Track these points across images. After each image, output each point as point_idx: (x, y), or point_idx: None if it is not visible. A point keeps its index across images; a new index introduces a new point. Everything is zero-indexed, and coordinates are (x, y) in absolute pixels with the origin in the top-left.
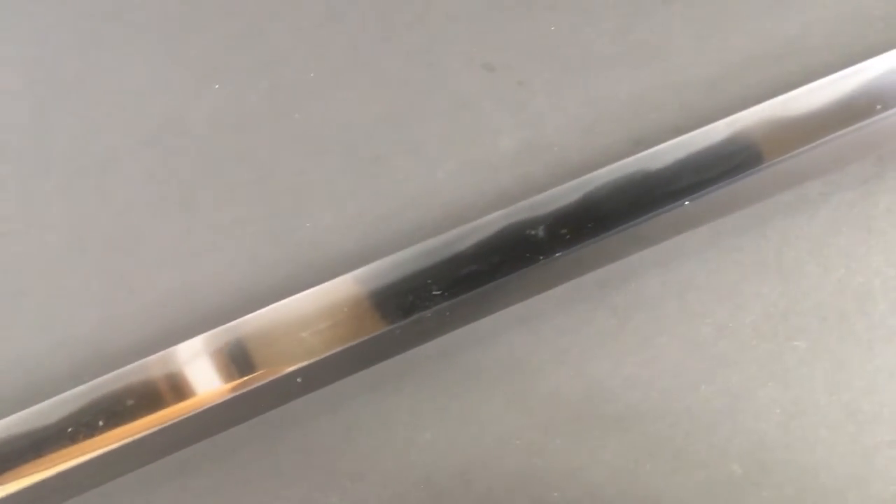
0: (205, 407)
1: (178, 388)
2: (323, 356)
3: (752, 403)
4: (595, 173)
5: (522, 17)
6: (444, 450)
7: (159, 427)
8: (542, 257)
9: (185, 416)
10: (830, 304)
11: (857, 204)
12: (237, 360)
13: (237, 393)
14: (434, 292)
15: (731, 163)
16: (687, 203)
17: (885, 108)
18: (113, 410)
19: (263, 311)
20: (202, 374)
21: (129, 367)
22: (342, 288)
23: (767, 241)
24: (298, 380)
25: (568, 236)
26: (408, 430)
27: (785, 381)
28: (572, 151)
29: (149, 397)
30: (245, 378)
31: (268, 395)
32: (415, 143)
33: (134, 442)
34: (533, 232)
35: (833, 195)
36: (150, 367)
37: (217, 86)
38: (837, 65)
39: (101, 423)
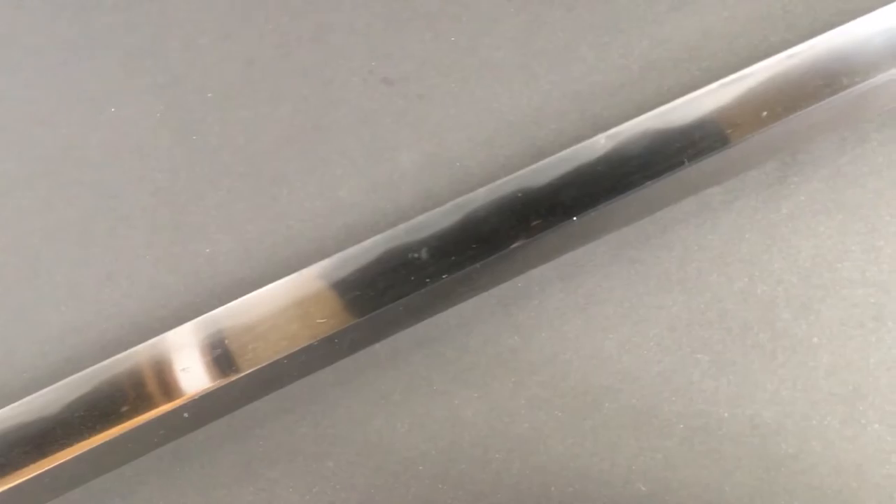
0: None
1: (64, 423)
2: (199, 392)
3: (657, 419)
4: (476, 192)
5: (422, 28)
6: (348, 478)
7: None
8: (428, 280)
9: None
10: (734, 315)
11: (759, 210)
12: (124, 393)
13: (107, 440)
14: (318, 320)
15: (624, 173)
16: (575, 219)
17: (787, 112)
18: None
19: (154, 340)
20: (88, 407)
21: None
22: (231, 317)
23: (670, 252)
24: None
25: (453, 257)
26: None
27: (689, 396)
28: (474, 165)
29: (35, 434)
30: (121, 418)
31: (148, 430)
32: (315, 161)
33: None
34: (416, 255)
35: (735, 202)
36: (31, 404)
37: (113, 109)
38: (738, 67)
39: None
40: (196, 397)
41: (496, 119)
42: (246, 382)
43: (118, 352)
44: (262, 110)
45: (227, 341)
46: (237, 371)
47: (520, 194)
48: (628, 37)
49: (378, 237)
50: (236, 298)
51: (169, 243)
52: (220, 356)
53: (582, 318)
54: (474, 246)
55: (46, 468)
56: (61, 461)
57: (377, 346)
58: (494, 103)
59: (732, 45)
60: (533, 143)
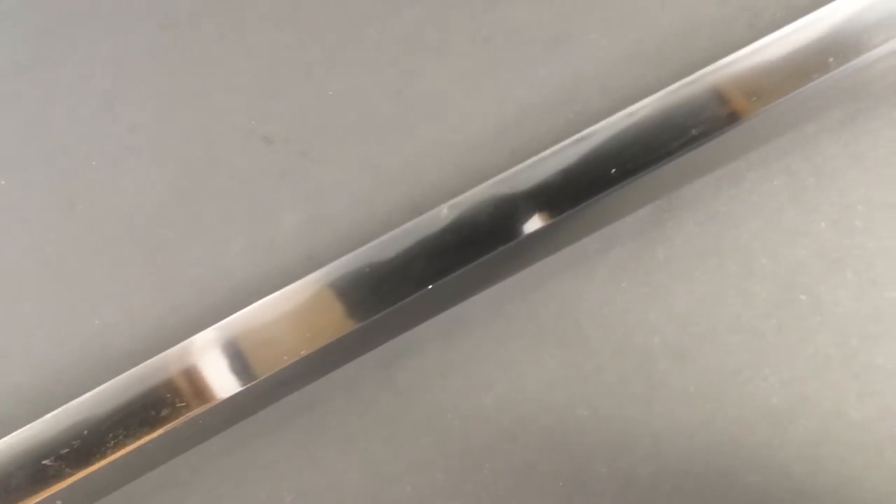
0: None
1: None
2: (70, 481)
3: (536, 478)
4: (337, 262)
5: (300, 83)
6: None
7: None
8: (286, 357)
9: None
10: (611, 367)
11: (635, 257)
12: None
13: None
14: (179, 404)
15: (472, 241)
16: (430, 287)
17: (667, 156)
18: None
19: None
20: None
21: None
22: (124, 389)
23: (547, 305)
24: None
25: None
26: None
27: (568, 453)
28: (354, 223)
29: None
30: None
31: None
32: (199, 226)
33: None
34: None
35: (611, 250)
36: None
37: (2, 182)
38: (612, 110)
39: None
40: (66, 485)
41: (375, 174)
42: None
43: (7, 431)
44: (146, 176)
45: (118, 417)
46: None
47: (374, 266)
48: (503, 82)
49: (230, 318)
50: (125, 371)
51: (58, 316)
52: (112, 433)
53: (462, 376)
54: (352, 306)
55: None
56: None
57: (261, 413)
58: (373, 158)
59: (606, 86)
60: (411, 199)
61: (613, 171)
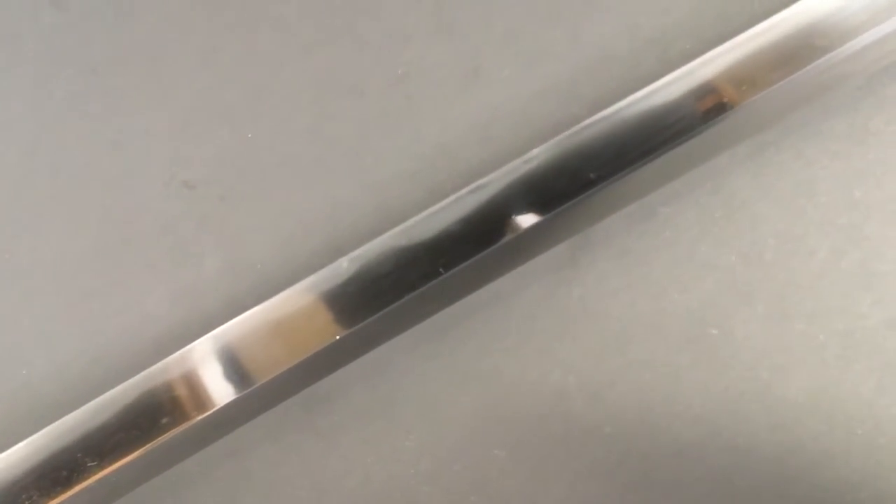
0: None
1: None
2: None
3: None
4: (240, 317)
5: (219, 126)
6: None
7: None
8: (192, 415)
9: None
10: (529, 407)
11: (551, 295)
12: None
13: None
14: (90, 464)
15: (375, 292)
16: (338, 337)
17: (576, 195)
18: None
19: None
20: None
21: None
22: (54, 439)
23: (465, 346)
24: None
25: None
26: None
27: (487, 494)
28: (275, 268)
29: None
30: None
31: None
32: (122, 274)
33: None
34: (172, 395)
35: (527, 288)
36: None
37: None
38: (525, 147)
39: None
40: None
41: (295, 217)
42: None
43: None
44: (69, 225)
45: (47, 466)
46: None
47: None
48: (419, 121)
49: (138, 377)
50: (54, 422)
51: None
52: (46, 479)
53: (383, 420)
54: (269, 356)
55: None
56: None
57: (187, 460)
58: (292, 200)
59: (520, 122)
60: (330, 241)
61: (527, 209)
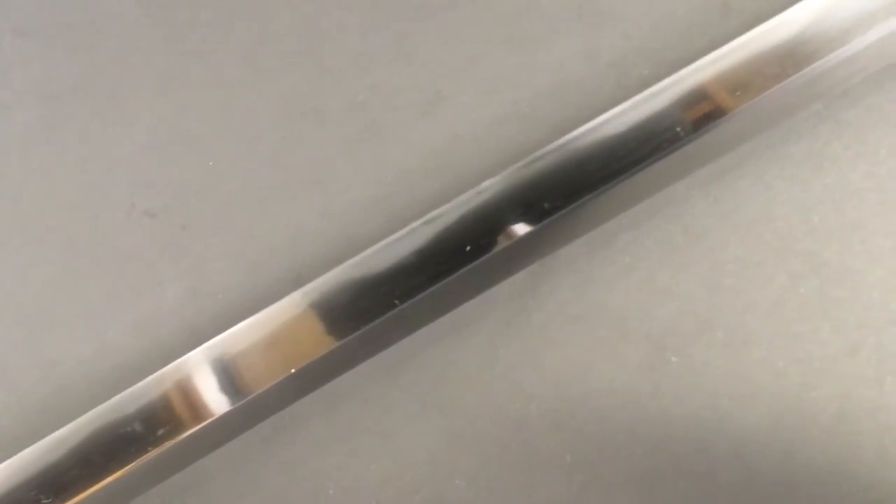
0: None
1: None
2: None
3: None
4: (198, 349)
5: (180, 153)
6: None
7: None
8: (149, 449)
9: None
10: (490, 435)
11: (511, 323)
12: None
13: None
14: (44, 501)
15: (332, 322)
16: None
17: (537, 221)
18: None
19: None
20: None
21: None
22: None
23: (426, 373)
24: None
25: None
26: None
27: None
28: (236, 296)
29: None
30: None
31: None
32: (83, 304)
33: None
34: (129, 429)
35: (487, 316)
36: None
37: None
38: (488, 172)
39: None
40: None
41: (255, 245)
42: None
43: None
44: (31, 253)
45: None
46: None
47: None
48: (380, 147)
49: (92, 412)
50: (13, 455)
51: None
52: None
53: (345, 449)
54: (229, 386)
55: None
56: None
57: (146, 494)
58: (253, 228)
59: (481, 148)
60: (292, 269)
61: (483, 239)
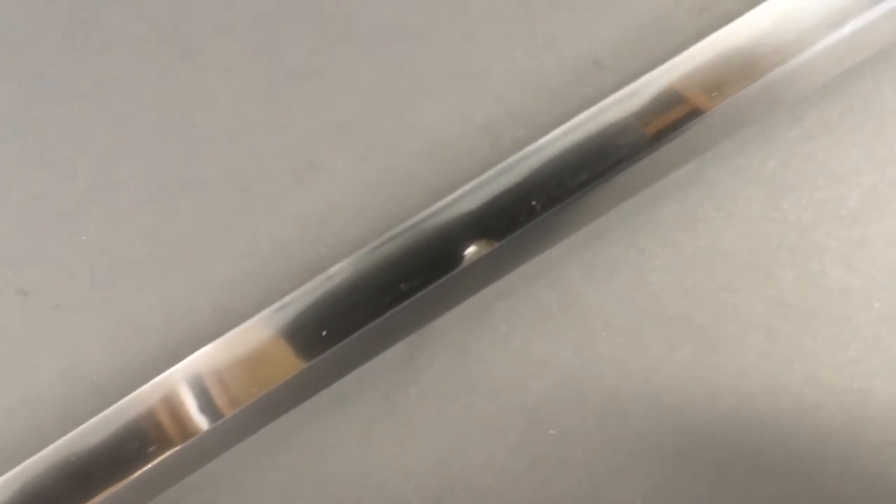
0: None
1: None
2: None
3: None
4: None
5: (52, 230)
6: None
7: None
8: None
9: None
10: None
11: (389, 398)
12: None
13: None
14: None
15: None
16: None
17: (412, 292)
18: None
19: None
20: None
21: None
22: None
23: (301, 455)
24: None
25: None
26: None
27: None
28: (109, 379)
29: None
30: None
31: None
32: None
33: None
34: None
35: (364, 392)
36: None
37: None
38: (364, 240)
39: None
40: None
41: (130, 324)
42: None
43: None
44: None
45: None
46: None
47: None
48: (254, 217)
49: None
50: None
51: None
52: None
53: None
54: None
55: None
56: None
57: None
58: (127, 307)
59: (357, 216)
60: (167, 348)
61: (342, 321)
